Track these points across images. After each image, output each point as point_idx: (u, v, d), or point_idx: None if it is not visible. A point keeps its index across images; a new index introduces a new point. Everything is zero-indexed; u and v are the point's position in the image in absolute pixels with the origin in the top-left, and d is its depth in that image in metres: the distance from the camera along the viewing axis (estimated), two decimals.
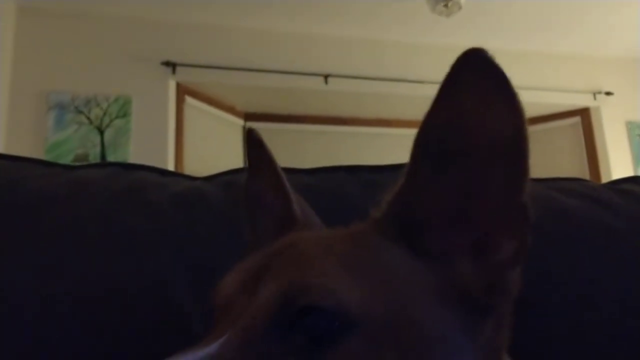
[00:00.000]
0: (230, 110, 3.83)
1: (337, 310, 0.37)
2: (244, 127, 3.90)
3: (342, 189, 0.75)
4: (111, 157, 3.13)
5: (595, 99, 4.12)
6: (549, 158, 4.13)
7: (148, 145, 3.21)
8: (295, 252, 0.42)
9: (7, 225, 0.69)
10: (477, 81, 0.38)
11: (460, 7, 3.09)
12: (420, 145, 0.40)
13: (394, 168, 0.71)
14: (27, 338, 0.61)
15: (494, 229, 0.41)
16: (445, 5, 3.07)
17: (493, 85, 0.38)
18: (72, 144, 3.13)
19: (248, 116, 3.93)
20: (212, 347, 0.38)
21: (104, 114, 3.21)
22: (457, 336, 0.40)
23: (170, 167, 3.19)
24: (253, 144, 0.57)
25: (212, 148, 3.65)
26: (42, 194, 0.70)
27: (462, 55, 0.38)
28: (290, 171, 0.63)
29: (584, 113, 4.20)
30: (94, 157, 3.12)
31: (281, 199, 0.55)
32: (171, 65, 3.39)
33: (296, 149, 3.78)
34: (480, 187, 0.40)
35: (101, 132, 3.18)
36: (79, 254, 0.66)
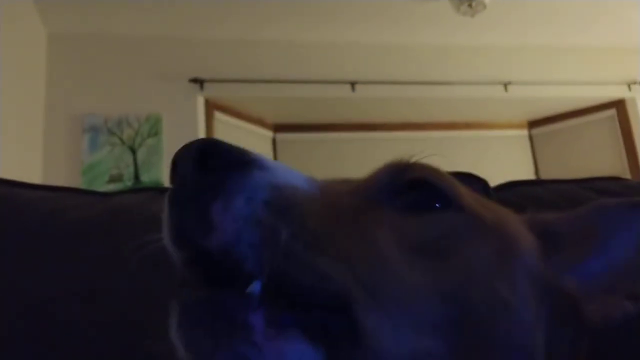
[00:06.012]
0: (259, 122, 3.86)
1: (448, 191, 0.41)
2: (273, 139, 3.92)
3: None
4: (145, 176, 3.17)
5: (630, 89, 4.02)
6: (586, 154, 4.04)
7: None
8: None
9: (49, 255, 0.70)
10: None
11: (484, 6, 3.06)
12: None
13: None
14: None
15: None
16: (470, 5, 3.05)
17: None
18: (107, 165, 3.19)
19: (277, 128, 3.95)
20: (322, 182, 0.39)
21: (136, 133, 3.26)
22: (537, 323, 0.40)
23: None
24: None
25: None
26: (82, 223, 0.71)
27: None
28: None
29: (619, 105, 4.10)
30: (128, 176, 3.17)
31: None
32: (199, 82, 3.43)
33: (333, 157, 3.79)
34: None
35: (134, 152, 3.23)
36: (118, 280, 0.67)
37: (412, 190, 0.40)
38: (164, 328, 0.33)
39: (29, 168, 3.01)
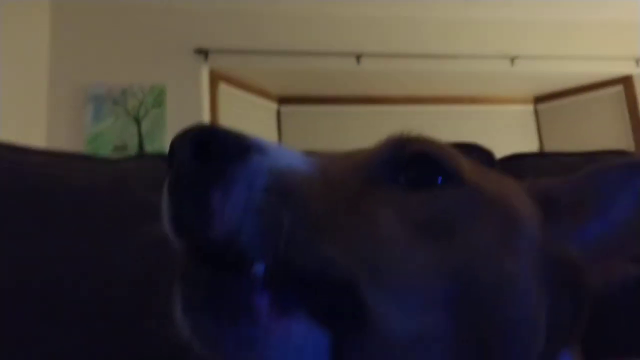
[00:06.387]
0: (264, 94, 3.84)
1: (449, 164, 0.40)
2: (277, 111, 3.91)
3: None
4: (149, 147, 3.17)
5: (637, 65, 3.98)
6: (591, 130, 4.02)
7: None
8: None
9: (54, 220, 0.70)
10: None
11: None
12: None
13: None
14: (76, 329, 0.63)
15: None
16: None
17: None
18: (111, 136, 3.18)
19: (282, 100, 3.93)
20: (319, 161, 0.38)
21: (140, 104, 3.25)
22: (539, 299, 0.40)
23: None
24: None
25: (247, 133, 3.66)
26: (86, 189, 0.71)
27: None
28: None
29: (626, 81, 4.06)
30: (132, 147, 3.16)
31: None
32: (203, 53, 3.41)
33: (337, 131, 3.78)
34: None
35: (138, 123, 3.23)
36: (121, 246, 0.68)
37: (413, 164, 0.40)
38: (168, 303, 0.34)
39: (32, 138, 3.02)
